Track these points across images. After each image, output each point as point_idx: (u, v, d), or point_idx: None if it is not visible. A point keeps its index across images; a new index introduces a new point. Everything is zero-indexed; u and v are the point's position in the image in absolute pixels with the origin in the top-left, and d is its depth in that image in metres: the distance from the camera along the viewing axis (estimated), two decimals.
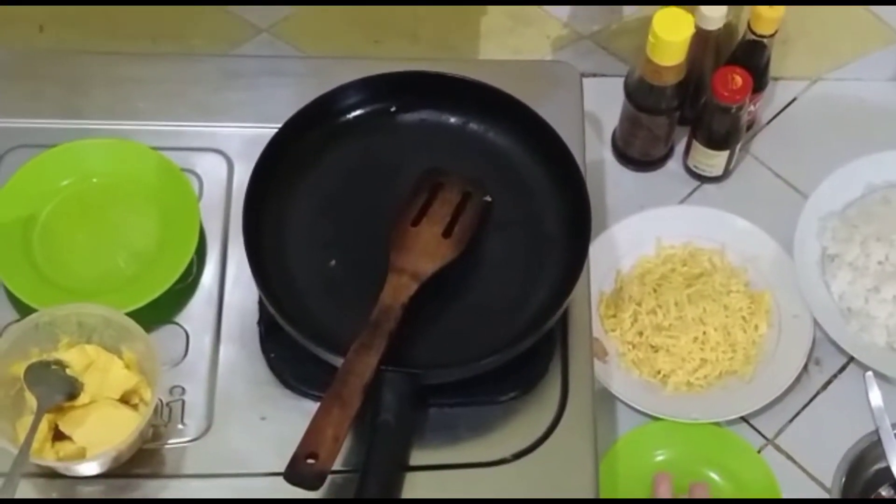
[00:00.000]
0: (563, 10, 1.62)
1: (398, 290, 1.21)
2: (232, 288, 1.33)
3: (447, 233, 1.26)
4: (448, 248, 1.25)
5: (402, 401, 1.18)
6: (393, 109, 1.36)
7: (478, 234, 1.28)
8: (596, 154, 1.66)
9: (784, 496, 1.44)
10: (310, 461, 1.11)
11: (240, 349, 1.30)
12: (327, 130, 1.34)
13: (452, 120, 1.36)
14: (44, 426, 1.18)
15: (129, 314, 1.23)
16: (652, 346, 1.51)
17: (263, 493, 1.21)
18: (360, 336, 1.17)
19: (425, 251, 1.24)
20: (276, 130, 1.30)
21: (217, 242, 1.36)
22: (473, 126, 1.36)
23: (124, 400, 1.22)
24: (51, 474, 1.20)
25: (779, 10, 1.51)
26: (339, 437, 1.12)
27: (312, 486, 1.11)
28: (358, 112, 1.36)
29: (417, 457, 1.23)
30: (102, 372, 1.22)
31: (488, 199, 1.30)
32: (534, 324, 1.22)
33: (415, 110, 1.36)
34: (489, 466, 1.24)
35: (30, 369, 1.21)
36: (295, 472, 1.10)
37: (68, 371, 1.21)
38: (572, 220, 1.28)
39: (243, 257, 1.24)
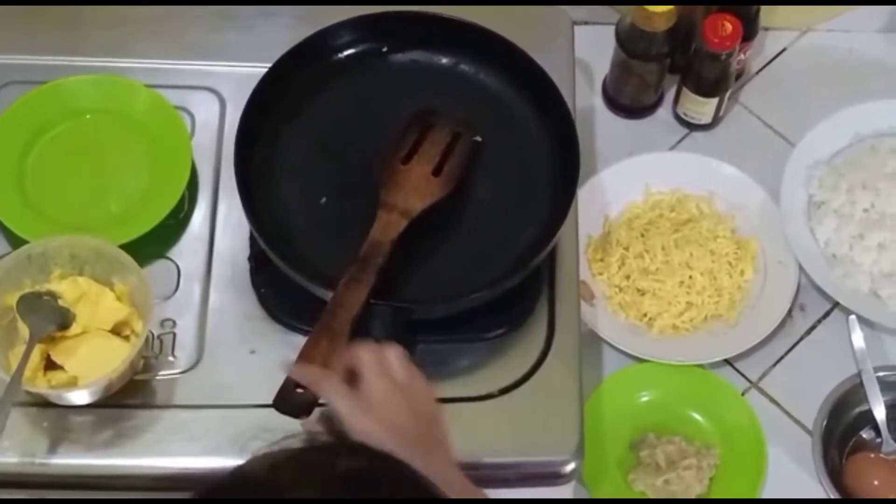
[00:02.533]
0: None
1: (388, 227, 1.22)
2: (223, 224, 1.34)
3: (437, 171, 1.27)
4: (437, 187, 1.26)
5: (391, 335, 1.19)
6: (384, 50, 1.37)
7: (467, 174, 1.29)
8: (586, 101, 1.67)
9: (767, 438, 1.46)
10: (298, 390, 1.12)
11: (230, 284, 1.31)
12: (319, 69, 1.35)
13: (444, 61, 1.37)
14: (36, 355, 1.20)
15: (122, 248, 1.25)
16: (638, 290, 1.52)
17: (252, 423, 1.22)
18: (350, 270, 1.19)
19: (415, 189, 1.26)
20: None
21: (209, 179, 1.37)
22: (464, 67, 1.37)
23: (116, 331, 1.24)
24: (42, 403, 1.22)
25: None
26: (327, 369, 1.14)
27: (300, 415, 1.12)
28: (349, 52, 1.37)
29: None
30: (94, 303, 1.24)
31: (478, 139, 1.31)
32: (521, 262, 1.24)
33: (406, 51, 1.37)
34: (476, 401, 1.25)
35: (22, 299, 1.22)
36: (283, 401, 1.12)
37: (60, 302, 1.23)
38: (560, 157, 1.30)
39: (235, 194, 1.25)
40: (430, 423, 1.07)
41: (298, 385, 1.12)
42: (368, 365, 1.07)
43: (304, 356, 1.14)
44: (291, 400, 1.12)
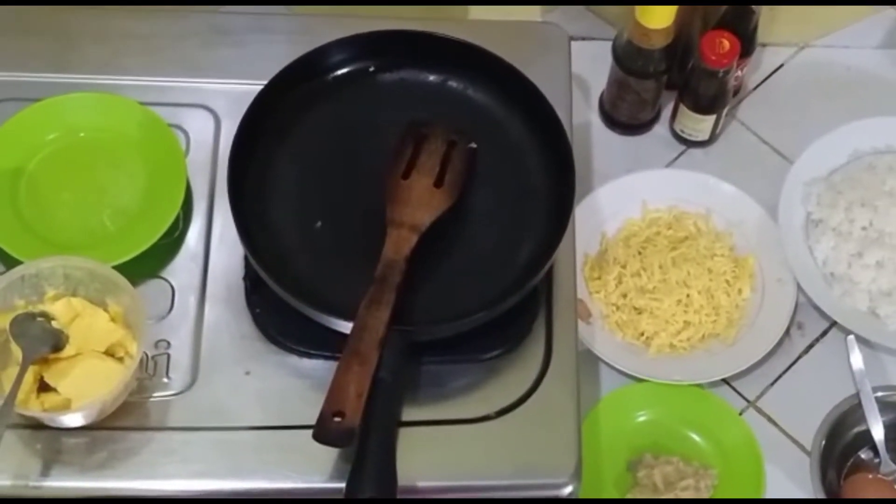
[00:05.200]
0: None
1: (399, 244, 1.22)
2: (218, 244, 1.33)
3: (438, 182, 1.27)
4: (441, 198, 1.26)
5: (397, 358, 1.19)
6: (371, 69, 1.36)
7: (468, 182, 1.28)
8: (583, 117, 1.67)
9: (765, 458, 1.45)
10: (336, 419, 1.12)
11: (225, 304, 1.30)
12: (309, 90, 1.34)
13: (431, 78, 1.36)
14: (29, 377, 1.18)
15: (116, 268, 1.24)
16: (636, 309, 1.52)
17: (246, 446, 1.22)
18: (368, 292, 1.18)
19: (420, 203, 1.25)
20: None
21: (203, 198, 1.36)
22: (452, 83, 1.36)
23: (109, 353, 1.22)
24: (36, 425, 1.21)
25: None
26: (361, 394, 1.13)
27: (342, 444, 1.13)
28: (338, 72, 1.36)
29: (405, 413, 1.23)
30: (88, 324, 1.22)
31: (473, 145, 1.30)
32: (519, 281, 1.23)
33: (393, 69, 1.36)
34: (473, 423, 1.24)
35: (15, 321, 1.21)
36: (323, 431, 1.11)
37: (54, 323, 1.21)
38: (556, 175, 1.29)
39: (230, 212, 1.24)
40: None
41: (336, 413, 1.12)
42: None
43: (337, 383, 1.14)
44: (331, 430, 1.12)
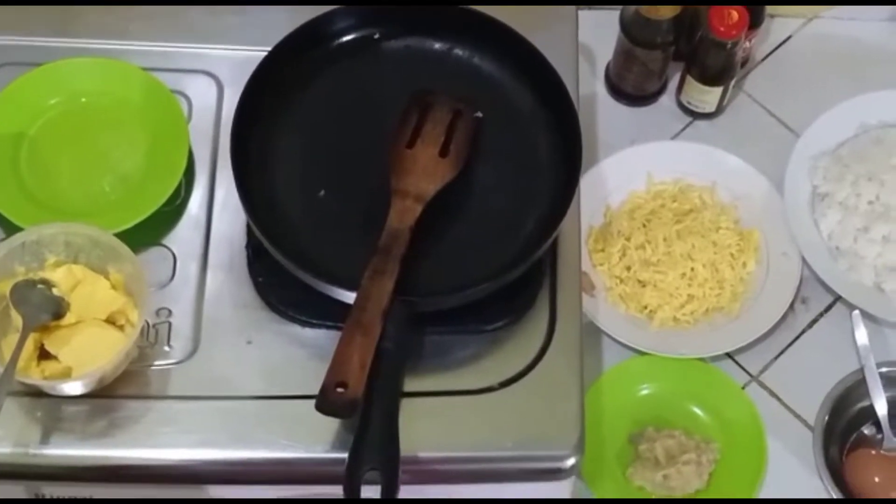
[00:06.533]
0: None
1: (404, 214, 1.21)
2: (220, 212, 1.32)
3: (443, 152, 1.26)
4: (447, 168, 1.25)
5: (400, 328, 1.18)
6: (376, 37, 1.35)
7: (473, 152, 1.27)
8: (588, 87, 1.65)
9: (767, 433, 1.45)
10: (339, 390, 1.11)
11: (227, 273, 1.29)
12: (313, 58, 1.33)
13: (437, 46, 1.35)
14: (29, 345, 1.18)
15: (117, 235, 1.23)
16: (639, 281, 1.51)
17: (248, 415, 1.21)
18: (372, 262, 1.17)
19: (425, 172, 1.24)
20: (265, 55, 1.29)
21: (206, 165, 1.35)
22: (458, 52, 1.35)
23: (111, 321, 1.22)
24: (36, 393, 1.20)
25: None
26: (364, 365, 1.12)
27: (345, 414, 1.12)
28: (343, 39, 1.34)
29: (408, 383, 1.23)
30: (89, 292, 1.22)
31: (479, 114, 1.29)
32: (525, 252, 1.22)
33: (399, 37, 1.35)
34: (476, 394, 1.23)
35: (15, 288, 1.20)
36: (327, 402, 1.11)
37: (54, 290, 1.21)
38: (562, 145, 1.28)
39: (232, 181, 1.23)
40: None
41: (339, 384, 1.11)
42: None
43: (340, 354, 1.13)
44: (334, 401, 1.11)
